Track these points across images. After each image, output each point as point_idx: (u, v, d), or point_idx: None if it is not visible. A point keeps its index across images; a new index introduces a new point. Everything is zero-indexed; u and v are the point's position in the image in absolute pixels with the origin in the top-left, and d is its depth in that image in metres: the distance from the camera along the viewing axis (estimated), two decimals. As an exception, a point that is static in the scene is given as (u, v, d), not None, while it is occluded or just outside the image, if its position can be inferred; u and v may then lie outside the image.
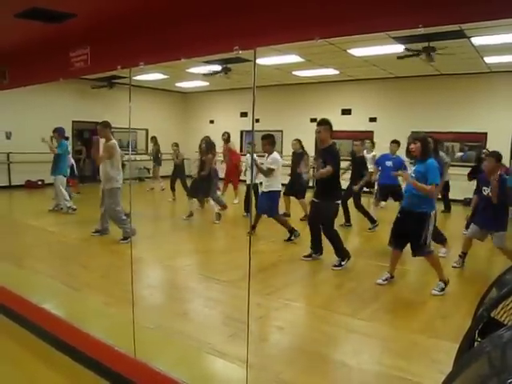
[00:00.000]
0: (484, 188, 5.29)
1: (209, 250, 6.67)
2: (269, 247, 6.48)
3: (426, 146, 4.68)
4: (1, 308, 3.82)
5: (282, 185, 7.20)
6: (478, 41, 7.93)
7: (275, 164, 6.73)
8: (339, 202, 5.73)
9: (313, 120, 13.69)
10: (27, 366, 3.02)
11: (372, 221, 7.84)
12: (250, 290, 2.46)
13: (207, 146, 8.36)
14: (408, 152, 4.84)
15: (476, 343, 1.54)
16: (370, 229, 7.80)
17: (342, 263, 5.43)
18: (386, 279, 4.85)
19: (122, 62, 2.76)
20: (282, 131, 14.35)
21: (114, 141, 6.61)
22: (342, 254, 5.47)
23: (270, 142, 6.73)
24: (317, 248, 5.76)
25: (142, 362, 2.71)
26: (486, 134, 11.21)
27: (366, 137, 10.49)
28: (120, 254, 5.79)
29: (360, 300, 4.43)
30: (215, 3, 2.16)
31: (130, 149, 15.39)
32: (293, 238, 6.72)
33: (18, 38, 3.13)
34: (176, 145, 10.99)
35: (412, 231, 4.60)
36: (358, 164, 8.02)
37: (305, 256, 5.75)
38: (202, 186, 8.28)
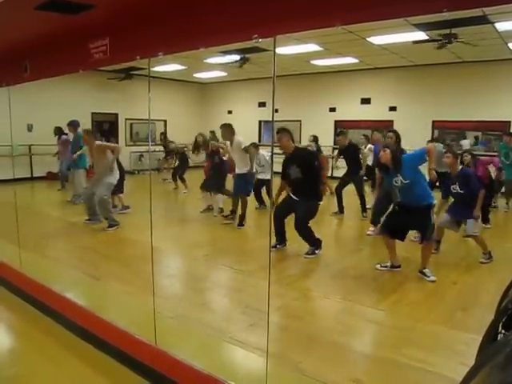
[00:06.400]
0: (452, 187, 5.27)
1: (227, 240, 6.70)
2: (287, 237, 6.46)
3: (396, 153, 4.64)
4: (25, 296, 3.91)
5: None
6: (502, 26, 7.72)
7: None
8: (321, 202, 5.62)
9: (332, 109, 13.61)
10: (51, 353, 3.09)
11: (364, 209, 7.84)
12: (270, 279, 2.46)
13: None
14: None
15: (500, 335, 1.51)
16: (364, 216, 7.77)
17: (316, 251, 5.50)
18: (386, 267, 4.90)
19: (141, 53, 2.76)
20: (300, 121, 14.27)
21: None
22: (316, 243, 5.53)
23: (229, 130, 7.16)
24: (282, 239, 5.76)
25: (163, 350, 2.74)
26: (509, 122, 10.96)
27: (386, 126, 10.38)
28: (139, 244, 5.84)
29: (380, 291, 4.41)
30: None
31: (150, 140, 15.50)
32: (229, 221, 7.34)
33: (38, 31, 3.15)
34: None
35: (422, 223, 4.59)
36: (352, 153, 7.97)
37: (273, 246, 5.62)
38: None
